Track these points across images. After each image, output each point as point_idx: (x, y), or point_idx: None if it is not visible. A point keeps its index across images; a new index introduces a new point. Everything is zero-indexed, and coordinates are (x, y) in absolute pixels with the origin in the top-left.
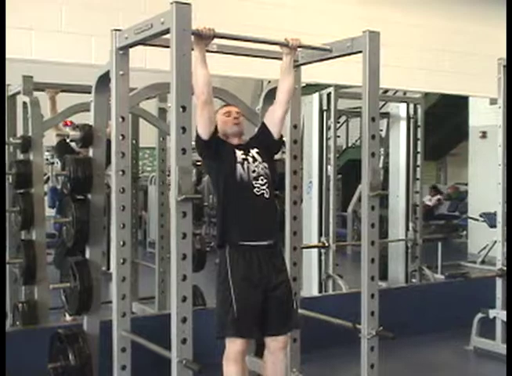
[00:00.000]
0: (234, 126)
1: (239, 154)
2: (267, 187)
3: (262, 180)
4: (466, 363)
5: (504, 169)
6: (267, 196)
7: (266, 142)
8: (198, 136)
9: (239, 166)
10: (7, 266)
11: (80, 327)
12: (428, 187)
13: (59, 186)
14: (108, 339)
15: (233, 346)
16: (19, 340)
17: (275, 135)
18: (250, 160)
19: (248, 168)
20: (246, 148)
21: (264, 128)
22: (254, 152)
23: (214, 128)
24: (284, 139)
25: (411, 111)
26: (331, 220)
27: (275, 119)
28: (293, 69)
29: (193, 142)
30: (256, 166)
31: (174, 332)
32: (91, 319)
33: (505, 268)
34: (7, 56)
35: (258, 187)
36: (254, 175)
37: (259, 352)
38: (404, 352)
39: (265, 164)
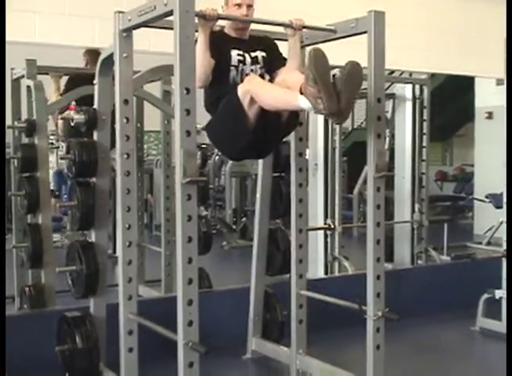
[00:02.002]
0: (239, 24)
1: (235, 55)
2: None
3: None
4: (472, 343)
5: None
6: None
7: (274, 59)
8: None
9: (232, 69)
10: (13, 250)
11: (87, 310)
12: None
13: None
14: (115, 322)
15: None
16: (27, 323)
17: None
18: (249, 61)
19: (243, 70)
20: (248, 46)
21: (279, 59)
22: (259, 54)
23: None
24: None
25: (417, 92)
26: (337, 202)
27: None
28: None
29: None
30: (252, 70)
31: (180, 314)
32: (98, 303)
33: None
34: (10, 38)
35: None
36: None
37: (266, 332)
38: (410, 333)
39: (264, 71)
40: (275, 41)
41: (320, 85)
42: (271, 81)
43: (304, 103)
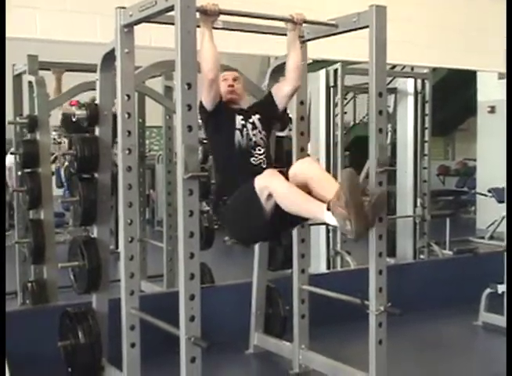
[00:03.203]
0: (228, 94)
1: (239, 120)
2: (265, 157)
3: (260, 150)
4: (474, 338)
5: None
6: (264, 166)
7: (269, 112)
8: (202, 106)
9: (237, 133)
10: (16, 246)
11: (89, 306)
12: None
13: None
14: (117, 317)
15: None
16: (29, 319)
17: (280, 107)
18: (250, 127)
19: (247, 135)
20: (247, 113)
21: (270, 97)
22: (255, 118)
23: (219, 99)
24: (291, 115)
25: (419, 87)
26: None
27: (282, 94)
28: (300, 45)
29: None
30: (255, 134)
31: (182, 310)
32: (100, 298)
33: None
34: (12, 35)
35: (256, 156)
36: (252, 143)
37: (268, 327)
38: (412, 327)
39: (264, 134)
40: (266, 94)
41: (351, 209)
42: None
43: (330, 219)
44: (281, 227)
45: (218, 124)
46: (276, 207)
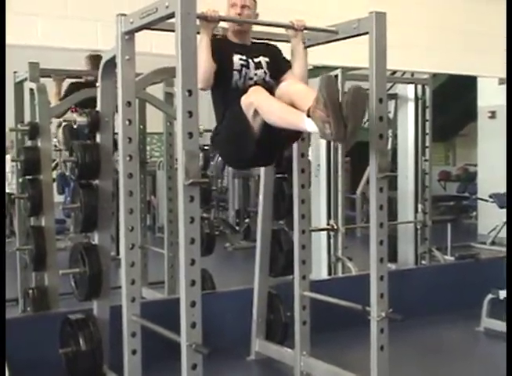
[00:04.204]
0: (235, 24)
1: (237, 60)
2: None
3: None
4: (476, 344)
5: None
6: None
7: (277, 65)
8: None
9: (235, 74)
10: (17, 253)
11: (90, 313)
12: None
13: (67, 173)
14: (118, 324)
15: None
16: (30, 326)
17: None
18: (252, 66)
19: (246, 74)
20: (251, 51)
21: (286, 62)
22: (263, 60)
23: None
24: None
25: (419, 92)
26: (340, 203)
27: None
28: (304, 50)
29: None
30: (256, 74)
31: (183, 316)
32: (101, 305)
33: None
34: (13, 42)
35: None
36: (251, 82)
37: (269, 334)
38: (414, 333)
39: (269, 76)
40: (279, 48)
41: (330, 110)
42: (273, 88)
43: (310, 126)
44: (271, 146)
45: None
46: (264, 124)
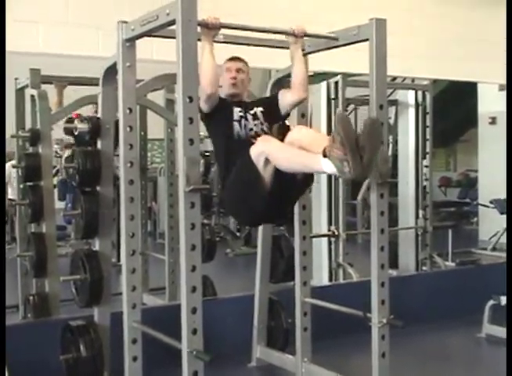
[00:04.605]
0: (231, 87)
1: (237, 112)
2: None
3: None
4: (478, 350)
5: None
6: None
7: (273, 110)
8: (200, 108)
9: (236, 124)
10: (17, 259)
11: (91, 319)
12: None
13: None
14: (119, 330)
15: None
16: (31, 332)
17: (283, 112)
18: (250, 117)
19: (246, 125)
20: (247, 105)
21: (275, 99)
22: (258, 110)
23: (217, 102)
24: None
25: (419, 98)
26: (341, 209)
27: (287, 101)
28: (303, 57)
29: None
30: (256, 124)
31: (184, 323)
32: (102, 311)
33: None
34: (14, 49)
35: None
36: (252, 133)
37: (270, 340)
38: (415, 340)
39: (267, 125)
40: (274, 94)
41: (347, 148)
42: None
43: (327, 166)
44: (284, 197)
45: (216, 118)
46: (275, 174)
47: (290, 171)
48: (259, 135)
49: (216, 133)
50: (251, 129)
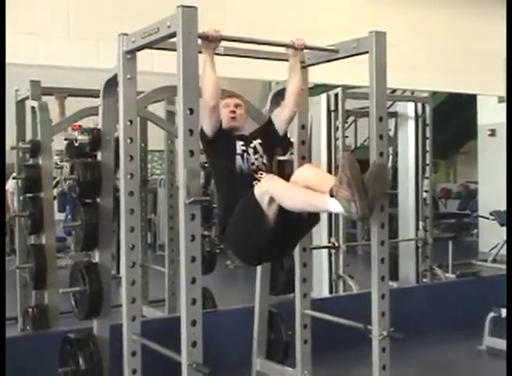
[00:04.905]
0: (230, 121)
1: (239, 146)
2: None
3: (262, 174)
4: (479, 362)
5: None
6: None
7: (270, 136)
8: (202, 132)
9: (238, 158)
10: (17, 271)
11: (90, 331)
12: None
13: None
14: (118, 343)
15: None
16: (30, 345)
17: (280, 132)
18: (251, 151)
19: (248, 159)
20: (248, 139)
21: (270, 123)
22: (256, 143)
23: (219, 125)
24: (292, 139)
25: (419, 110)
26: (341, 220)
27: (280, 119)
28: (301, 70)
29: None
30: (256, 158)
31: (184, 335)
32: (102, 323)
33: None
34: (15, 61)
35: (259, 180)
36: (254, 168)
37: (270, 353)
38: (416, 352)
39: (266, 158)
40: (269, 119)
41: (354, 189)
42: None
43: (334, 206)
44: (287, 234)
45: (218, 150)
46: (279, 213)
47: (295, 210)
48: (260, 169)
49: (219, 166)
50: (253, 164)
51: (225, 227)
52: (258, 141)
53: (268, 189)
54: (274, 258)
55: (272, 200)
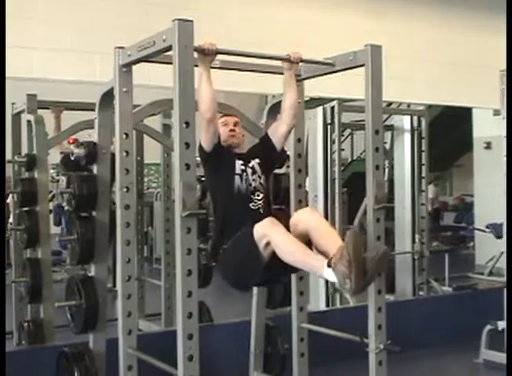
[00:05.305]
0: (229, 138)
1: (239, 165)
2: (263, 202)
3: (259, 195)
4: None
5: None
6: (262, 211)
7: (268, 153)
8: (201, 147)
9: (237, 178)
10: (12, 285)
11: (86, 345)
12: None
13: (64, 204)
14: (114, 357)
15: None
16: (26, 359)
17: (278, 147)
18: (249, 171)
19: (246, 180)
20: (246, 158)
21: (267, 139)
22: (254, 162)
23: (217, 140)
24: (288, 152)
25: (415, 123)
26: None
27: (278, 134)
28: (296, 83)
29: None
30: (254, 179)
31: (180, 349)
32: (98, 337)
33: None
34: (11, 74)
35: (255, 202)
36: (252, 188)
37: (267, 366)
38: (413, 365)
39: (264, 178)
40: (265, 134)
41: (353, 268)
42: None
43: (329, 276)
44: (277, 274)
45: (217, 166)
46: (274, 254)
47: (291, 264)
48: (258, 190)
49: (217, 183)
50: (250, 184)
51: (218, 248)
52: (257, 161)
53: (269, 234)
54: (263, 286)
55: (268, 243)
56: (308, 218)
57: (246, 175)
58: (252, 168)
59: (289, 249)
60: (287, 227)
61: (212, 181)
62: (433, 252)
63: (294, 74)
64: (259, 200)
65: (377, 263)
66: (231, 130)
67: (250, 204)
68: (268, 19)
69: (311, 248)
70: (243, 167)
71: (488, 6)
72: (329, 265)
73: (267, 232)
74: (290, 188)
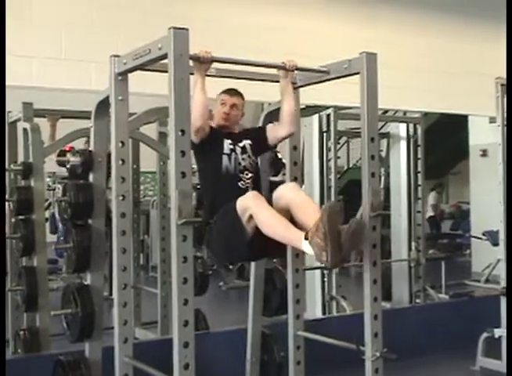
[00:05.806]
0: (221, 120)
1: (227, 145)
2: (252, 181)
3: (247, 174)
4: None
5: (504, 187)
6: (250, 190)
7: (261, 142)
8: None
9: (225, 157)
10: (8, 294)
11: (82, 354)
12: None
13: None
14: (110, 365)
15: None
16: (21, 368)
17: (270, 144)
18: (239, 150)
19: (236, 158)
20: (238, 137)
21: (263, 132)
22: (246, 143)
23: (206, 136)
24: (284, 160)
25: (411, 131)
26: None
27: (275, 135)
28: (293, 91)
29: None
30: (244, 158)
31: (176, 357)
32: (94, 346)
33: None
34: (7, 83)
35: (244, 180)
36: (241, 167)
37: (263, 375)
38: (409, 373)
39: (254, 159)
40: (262, 127)
41: (329, 240)
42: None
43: (307, 248)
44: (262, 249)
45: (206, 150)
46: (257, 229)
47: (271, 237)
48: (247, 170)
49: (205, 165)
50: (239, 163)
51: (206, 225)
52: (249, 142)
53: (251, 207)
54: (253, 260)
55: (251, 218)
56: (290, 192)
57: (236, 154)
58: (243, 147)
59: (270, 222)
60: (270, 202)
61: (201, 162)
62: (429, 260)
63: (291, 81)
64: (248, 179)
65: (352, 236)
66: (225, 113)
67: (239, 183)
68: (264, 28)
69: (294, 224)
70: (231, 146)
71: (484, 14)
72: (306, 238)
73: (249, 204)
74: None
